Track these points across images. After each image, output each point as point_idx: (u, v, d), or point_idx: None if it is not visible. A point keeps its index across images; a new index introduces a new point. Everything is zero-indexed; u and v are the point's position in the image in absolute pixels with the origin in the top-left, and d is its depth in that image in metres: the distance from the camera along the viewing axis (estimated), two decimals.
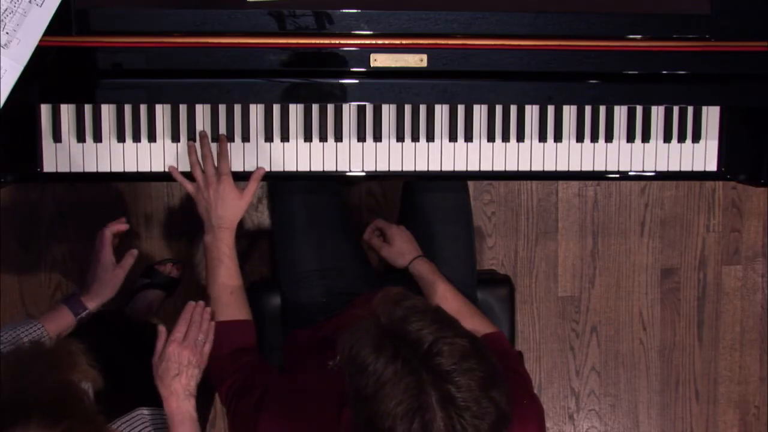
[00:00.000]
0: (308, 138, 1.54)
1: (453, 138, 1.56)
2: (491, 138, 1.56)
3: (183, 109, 1.52)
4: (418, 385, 0.98)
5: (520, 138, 1.57)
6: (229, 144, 1.52)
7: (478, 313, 1.57)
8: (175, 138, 1.52)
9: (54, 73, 1.40)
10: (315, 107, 1.53)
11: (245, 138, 1.53)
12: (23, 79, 1.35)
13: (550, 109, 1.57)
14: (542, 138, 1.57)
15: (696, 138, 1.60)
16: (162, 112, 1.52)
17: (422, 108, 1.54)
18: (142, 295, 2.10)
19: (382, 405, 0.99)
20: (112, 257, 1.50)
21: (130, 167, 1.52)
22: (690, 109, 1.59)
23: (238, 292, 1.51)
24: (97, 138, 1.51)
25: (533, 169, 1.58)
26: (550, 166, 1.59)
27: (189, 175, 1.51)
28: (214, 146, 1.51)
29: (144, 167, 1.52)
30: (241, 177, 1.53)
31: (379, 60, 1.43)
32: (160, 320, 2.22)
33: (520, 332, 2.41)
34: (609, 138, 1.58)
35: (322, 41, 1.41)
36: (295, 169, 1.55)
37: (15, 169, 1.49)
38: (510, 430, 1.22)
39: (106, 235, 1.52)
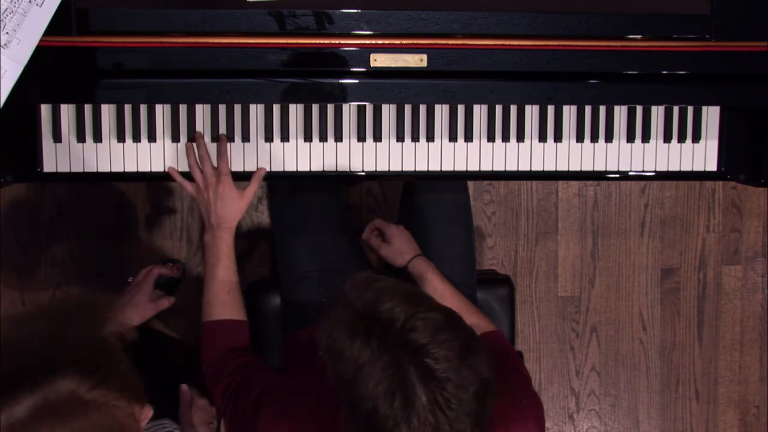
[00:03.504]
0: (308, 138, 1.54)
1: (453, 138, 1.56)
2: (491, 138, 1.56)
3: (183, 109, 1.52)
4: (396, 363, 0.98)
5: (520, 138, 1.57)
6: (229, 144, 1.52)
7: (477, 312, 1.57)
8: (175, 138, 1.52)
9: (54, 73, 1.40)
10: (315, 107, 1.53)
11: (245, 138, 1.53)
12: (23, 79, 1.35)
13: (550, 109, 1.57)
14: (542, 138, 1.57)
15: (696, 138, 1.60)
16: (162, 112, 1.52)
17: (422, 108, 1.54)
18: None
19: (362, 387, 1.00)
20: (152, 293, 1.59)
21: (130, 167, 1.52)
22: (690, 109, 1.59)
23: (236, 291, 1.51)
24: (97, 138, 1.51)
25: (533, 169, 1.58)
26: (550, 166, 1.59)
27: (189, 176, 1.51)
28: (213, 146, 1.51)
29: (144, 167, 1.52)
30: (241, 177, 1.53)
31: (379, 60, 1.43)
32: (159, 322, 2.22)
33: (520, 332, 2.41)
34: (609, 138, 1.58)
35: (322, 41, 1.41)
36: (295, 169, 1.55)
37: (15, 169, 1.49)
38: (510, 427, 1.23)
39: (156, 272, 1.63)
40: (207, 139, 1.52)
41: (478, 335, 1.47)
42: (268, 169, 1.54)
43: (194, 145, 1.50)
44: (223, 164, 1.49)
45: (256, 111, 1.53)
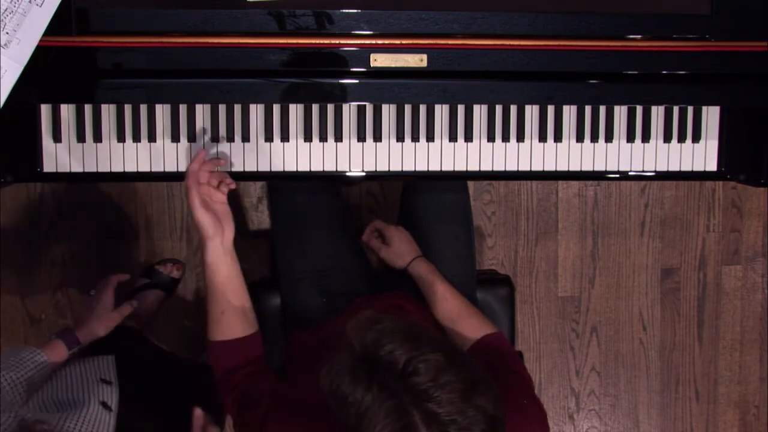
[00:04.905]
0: (308, 138, 1.54)
1: (453, 138, 1.56)
2: (491, 138, 1.56)
3: (183, 109, 1.52)
4: (399, 408, 0.98)
5: (520, 138, 1.57)
6: (229, 144, 1.52)
7: (477, 314, 1.57)
8: (175, 138, 1.52)
9: (54, 73, 1.40)
10: (315, 107, 1.53)
11: (245, 138, 1.53)
12: (23, 79, 1.35)
13: (550, 109, 1.57)
14: (542, 138, 1.57)
15: (696, 138, 1.60)
16: (162, 112, 1.52)
17: (422, 108, 1.54)
18: (142, 295, 2.10)
19: None
20: (112, 301, 1.58)
21: (130, 167, 1.52)
22: (690, 109, 1.59)
23: (230, 311, 1.40)
24: (97, 138, 1.51)
25: (533, 169, 1.58)
26: (550, 166, 1.59)
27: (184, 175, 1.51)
28: (214, 145, 1.52)
29: (144, 167, 1.52)
30: (242, 177, 1.53)
31: (379, 60, 1.43)
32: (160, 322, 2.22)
33: (520, 332, 2.41)
34: (609, 138, 1.58)
35: (322, 41, 1.41)
36: (295, 169, 1.55)
37: (15, 169, 1.49)
38: (515, 430, 1.22)
39: (112, 281, 1.61)
40: (207, 138, 1.52)
41: (480, 337, 1.48)
42: (268, 169, 1.54)
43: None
44: (223, 192, 1.39)
45: (256, 111, 1.53)
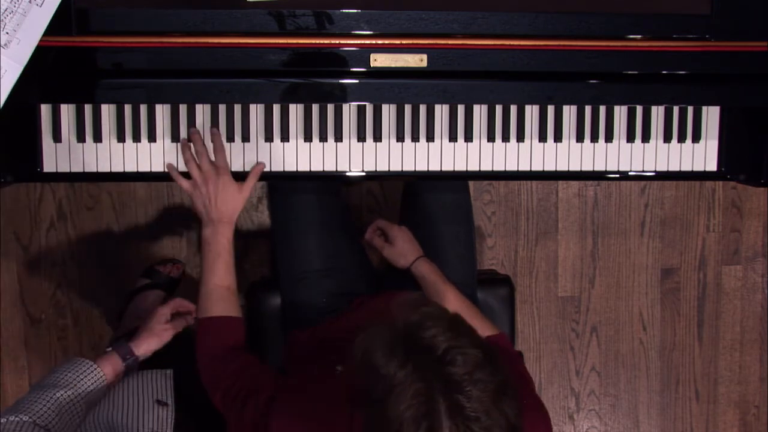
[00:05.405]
0: (308, 138, 1.54)
1: (453, 138, 1.56)
2: (491, 138, 1.56)
3: (183, 109, 1.52)
4: (428, 392, 0.98)
5: (520, 138, 1.57)
6: (229, 144, 1.52)
7: (480, 315, 1.57)
8: (175, 138, 1.52)
9: (54, 73, 1.40)
10: (315, 107, 1.53)
11: (245, 138, 1.53)
12: (23, 79, 1.35)
13: (550, 109, 1.57)
14: (542, 138, 1.57)
15: (696, 138, 1.60)
16: (162, 112, 1.52)
17: (422, 108, 1.54)
18: (142, 295, 2.10)
19: (391, 409, 0.99)
20: (168, 317, 1.57)
21: (130, 167, 1.52)
22: (690, 109, 1.59)
23: (234, 288, 1.51)
24: (97, 138, 1.51)
25: (533, 169, 1.58)
26: (550, 166, 1.59)
27: (187, 175, 1.51)
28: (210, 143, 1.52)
29: (144, 167, 1.52)
30: (242, 177, 1.53)
31: (379, 60, 1.43)
32: None
33: (520, 332, 2.41)
34: (609, 138, 1.58)
35: (322, 41, 1.41)
36: (295, 169, 1.55)
37: (15, 169, 1.49)
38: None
39: (171, 304, 1.60)
40: (207, 138, 1.52)
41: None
42: (268, 169, 1.54)
43: (190, 142, 1.50)
44: (221, 158, 1.49)
45: (256, 111, 1.53)
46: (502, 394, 1.00)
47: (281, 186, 1.73)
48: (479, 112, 1.56)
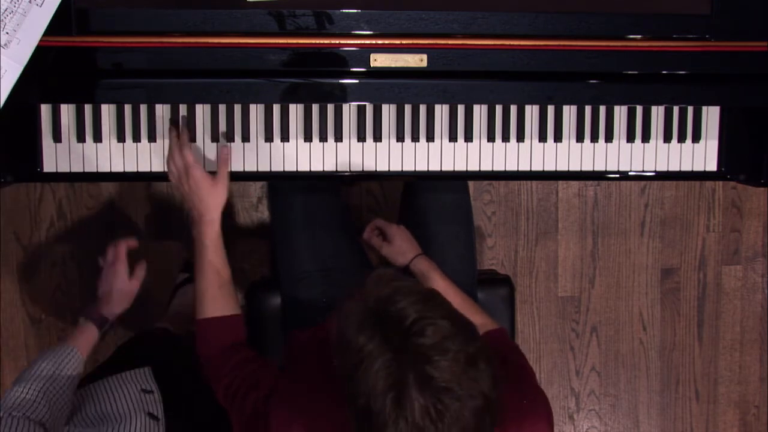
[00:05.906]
0: (308, 138, 1.54)
1: (453, 138, 1.56)
2: (491, 138, 1.56)
3: (183, 109, 1.52)
4: (396, 364, 0.97)
5: (520, 138, 1.57)
6: (229, 144, 1.52)
7: (479, 311, 1.57)
8: None
9: (54, 73, 1.40)
10: (315, 107, 1.53)
11: (245, 138, 1.53)
12: (23, 79, 1.35)
13: (550, 109, 1.57)
14: (542, 138, 1.57)
15: (696, 138, 1.60)
16: (162, 112, 1.52)
17: (422, 108, 1.54)
18: (182, 290, 2.09)
19: (360, 381, 0.99)
20: (127, 269, 1.55)
21: (130, 167, 1.52)
22: (690, 109, 1.59)
23: (227, 286, 1.48)
24: (97, 138, 1.51)
25: (533, 169, 1.58)
26: (550, 166, 1.59)
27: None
28: (214, 145, 1.51)
29: (144, 167, 1.52)
30: (242, 177, 1.53)
31: (379, 60, 1.43)
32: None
33: (520, 332, 2.41)
34: (609, 138, 1.58)
35: (322, 41, 1.41)
36: (295, 169, 1.55)
37: (15, 169, 1.49)
38: (523, 424, 1.22)
39: (122, 249, 1.56)
40: (207, 138, 1.52)
41: (483, 333, 1.48)
42: (268, 169, 1.54)
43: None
44: (187, 153, 1.44)
45: (256, 111, 1.53)
46: (473, 364, 0.99)
47: (281, 186, 1.73)
48: (479, 112, 1.56)
